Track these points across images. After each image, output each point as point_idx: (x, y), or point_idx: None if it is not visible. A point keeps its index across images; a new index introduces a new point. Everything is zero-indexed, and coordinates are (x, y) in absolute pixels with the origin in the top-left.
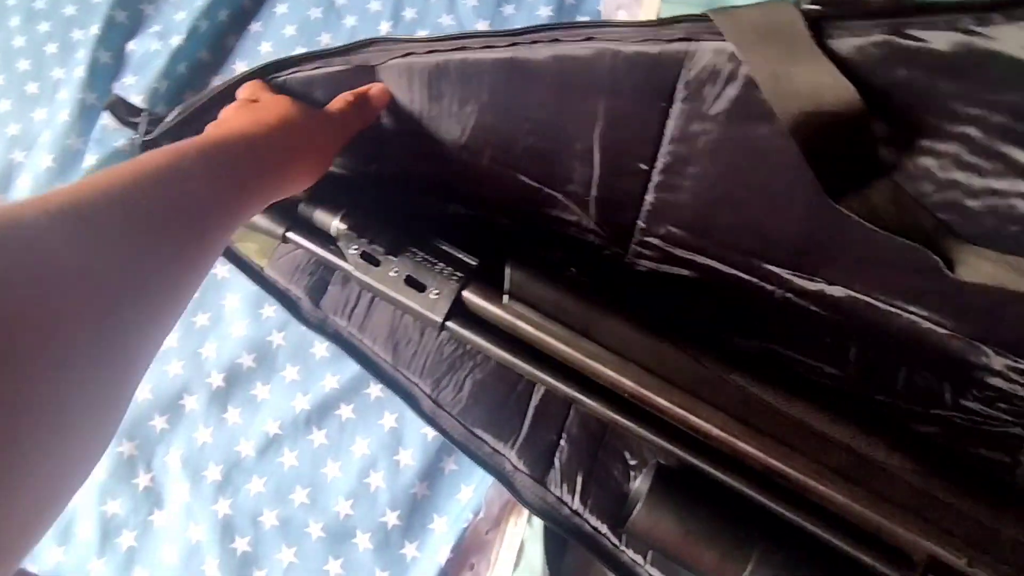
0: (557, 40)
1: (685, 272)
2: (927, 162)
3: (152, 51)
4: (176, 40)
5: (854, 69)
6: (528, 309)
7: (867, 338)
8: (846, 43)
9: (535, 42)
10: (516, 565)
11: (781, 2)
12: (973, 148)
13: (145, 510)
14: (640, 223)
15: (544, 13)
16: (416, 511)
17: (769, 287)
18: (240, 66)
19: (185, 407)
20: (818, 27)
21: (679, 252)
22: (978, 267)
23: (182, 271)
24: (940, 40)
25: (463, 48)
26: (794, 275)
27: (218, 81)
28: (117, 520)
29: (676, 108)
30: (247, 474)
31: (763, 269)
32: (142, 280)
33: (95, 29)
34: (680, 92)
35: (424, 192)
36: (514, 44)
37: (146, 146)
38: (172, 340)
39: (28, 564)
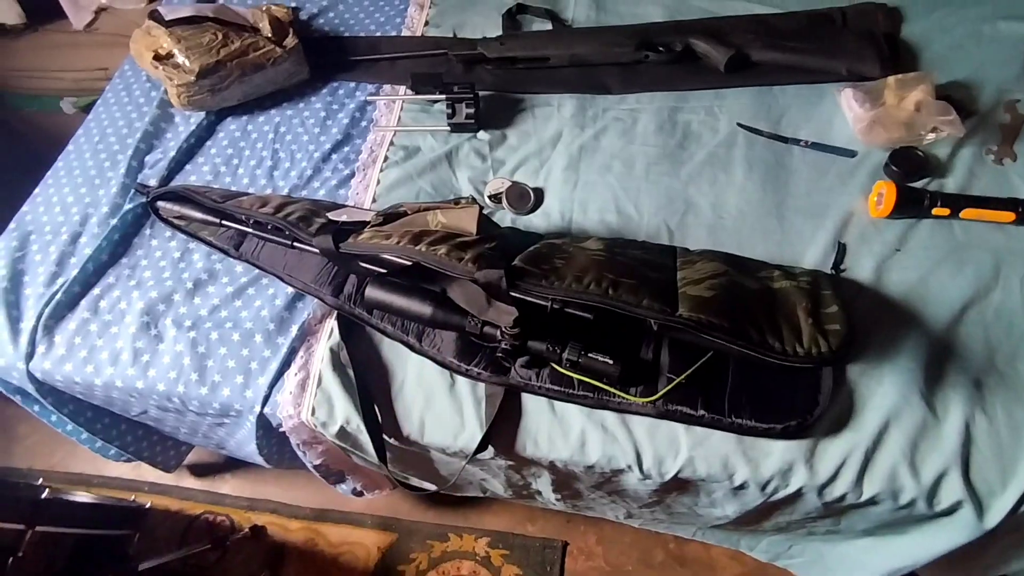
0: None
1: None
2: None
3: (158, 159)
4: (172, 153)
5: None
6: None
7: None
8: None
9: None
10: (329, 339)
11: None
12: None
13: (155, 343)
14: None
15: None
16: (282, 323)
17: None
18: (199, 160)
19: (174, 299)
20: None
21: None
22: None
23: None
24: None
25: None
26: None
27: (189, 168)
28: (143, 350)
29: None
30: (205, 321)
31: None
32: None
33: (129, 151)
34: None
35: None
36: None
37: (152, 201)
38: (163, 273)
39: (95, 377)
